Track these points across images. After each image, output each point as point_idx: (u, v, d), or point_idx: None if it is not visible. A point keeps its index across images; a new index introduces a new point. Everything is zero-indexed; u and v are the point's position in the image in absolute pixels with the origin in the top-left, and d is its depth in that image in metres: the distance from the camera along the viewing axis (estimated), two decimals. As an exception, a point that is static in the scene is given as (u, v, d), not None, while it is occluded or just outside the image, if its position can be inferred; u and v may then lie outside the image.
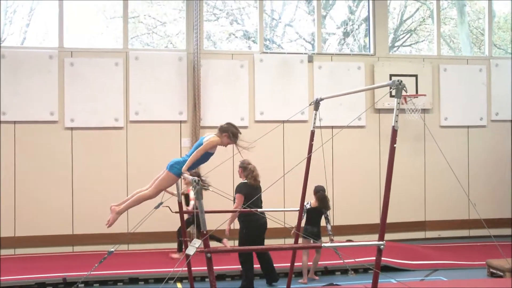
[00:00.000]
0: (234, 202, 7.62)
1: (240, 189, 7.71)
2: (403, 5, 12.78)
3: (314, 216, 8.41)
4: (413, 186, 11.52)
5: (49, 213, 10.06)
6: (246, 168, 7.80)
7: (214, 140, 5.88)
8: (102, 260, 5.89)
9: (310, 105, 7.34)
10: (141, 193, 5.98)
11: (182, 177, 5.89)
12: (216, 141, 5.90)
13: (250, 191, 7.57)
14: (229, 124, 6.09)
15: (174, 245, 9.95)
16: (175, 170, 5.83)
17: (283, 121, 9.68)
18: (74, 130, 10.28)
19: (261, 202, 7.82)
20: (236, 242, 8.28)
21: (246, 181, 7.78)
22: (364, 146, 11.32)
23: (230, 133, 5.98)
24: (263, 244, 7.74)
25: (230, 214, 7.61)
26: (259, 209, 7.30)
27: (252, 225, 7.49)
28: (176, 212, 6.75)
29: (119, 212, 5.93)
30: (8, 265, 8.96)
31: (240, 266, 8.03)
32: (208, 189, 4.84)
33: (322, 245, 4.90)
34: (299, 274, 8.67)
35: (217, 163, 6.61)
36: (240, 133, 6.07)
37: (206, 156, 5.89)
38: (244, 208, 7.11)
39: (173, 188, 6.25)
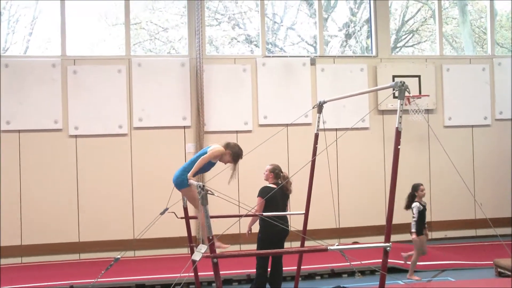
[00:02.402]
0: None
1: (262, 193, 7.42)
2: (404, 6, 12.77)
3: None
4: (418, 187, 11.47)
5: (55, 221, 10.08)
6: (278, 175, 7.58)
7: (218, 150, 6.04)
8: (108, 267, 5.90)
9: (313, 108, 7.34)
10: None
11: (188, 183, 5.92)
12: (221, 151, 6.04)
13: (272, 195, 7.38)
14: (237, 145, 6.23)
15: (180, 251, 9.96)
16: (183, 183, 5.91)
17: (287, 125, 9.69)
18: (79, 138, 10.31)
19: (284, 208, 7.60)
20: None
21: (270, 185, 7.60)
22: (368, 148, 11.30)
23: (234, 154, 6.12)
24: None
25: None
26: (264, 213, 7.23)
27: (266, 230, 7.37)
28: (181, 218, 6.75)
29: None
30: (15, 274, 8.98)
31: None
32: (214, 194, 4.83)
33: (328, 248, 4.88)
34: (306, 277, 8.67)
35: (222, 167, 6.62)
36: (241, 158, 6.21)
37: (209, 165, 6.01)
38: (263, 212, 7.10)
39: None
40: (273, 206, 7.29)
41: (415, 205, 8.46)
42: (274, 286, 7.63)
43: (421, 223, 8.47)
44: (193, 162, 6.01)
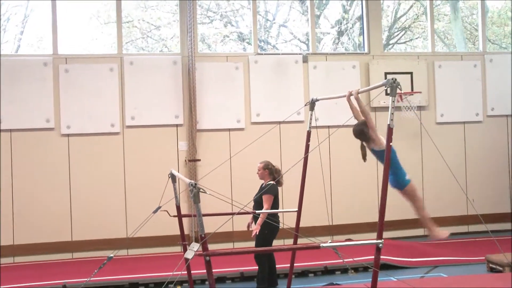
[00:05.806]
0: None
1: (271, 190, 7.49)
2: (396, 3, 12.79)
3: None
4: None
5: (47, 220, 10.04)
6: (272, 170, 7.66)
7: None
8: (101, 266, 5.88)
9: (305, 105, 7.36)
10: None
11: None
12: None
13: (277, 191, 7.57)
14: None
15: (173, 249, 9.95)
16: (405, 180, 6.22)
17: (279, 122, 9.68)
18: (71, 137, 10.27)
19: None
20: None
21: (271, 182, 7.61)
22: (361, 145, 11.30)
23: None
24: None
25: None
26: (257, 211, 7.27)
27: (271, 225, 7.42)
28: (174, 216, 6.74)
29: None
30: (7, 274, 8.93)
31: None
32: (206, 193, 4.82)
33: (321, 245, 4.88)
34: (299, 275, 8.69)
35: (216, 164, 6.62)
36: None
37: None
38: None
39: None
40: (277, 202, 7.56)
41: None
42: (270, 282, 7.69)
43: None
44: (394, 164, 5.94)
